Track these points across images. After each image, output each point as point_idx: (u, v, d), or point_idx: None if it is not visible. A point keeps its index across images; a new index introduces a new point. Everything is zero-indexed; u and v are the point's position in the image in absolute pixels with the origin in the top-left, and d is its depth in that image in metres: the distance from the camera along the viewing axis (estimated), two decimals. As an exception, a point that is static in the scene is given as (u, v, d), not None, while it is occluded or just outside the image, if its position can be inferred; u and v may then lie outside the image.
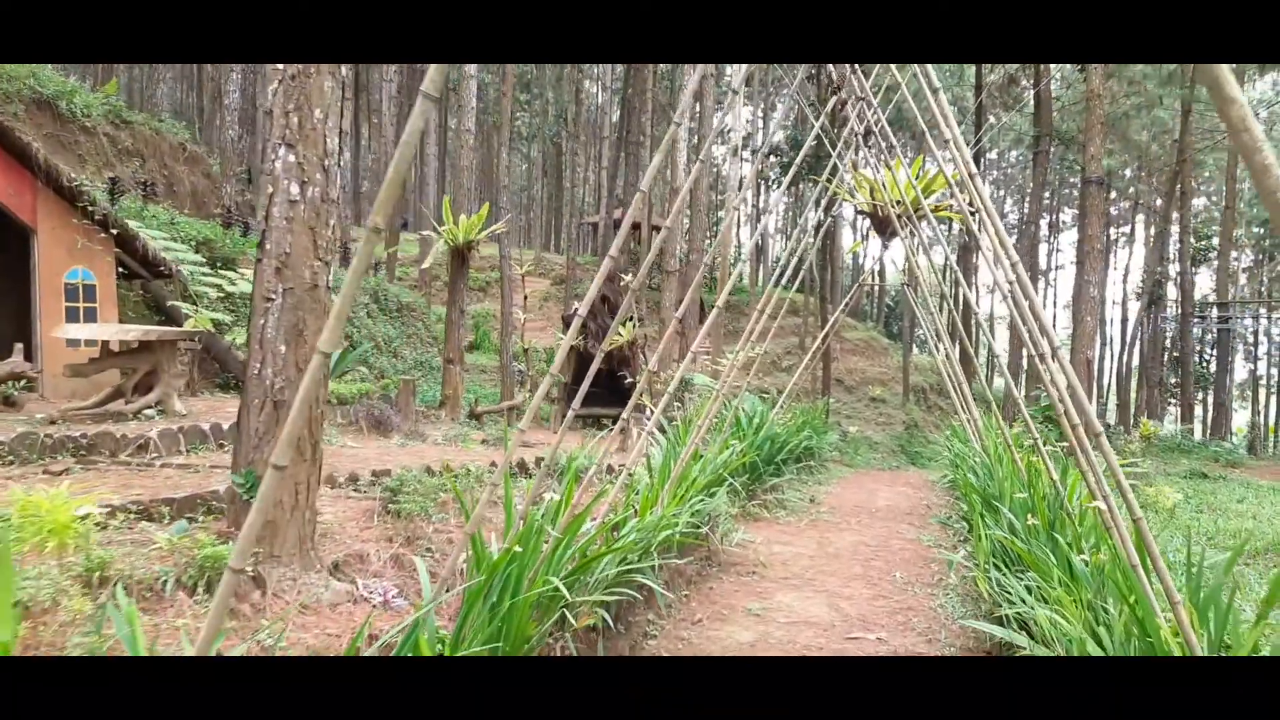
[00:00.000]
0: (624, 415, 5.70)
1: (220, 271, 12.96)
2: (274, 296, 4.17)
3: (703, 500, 6.99)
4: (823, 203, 12.48)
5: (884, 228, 12.13)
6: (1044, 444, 6.32)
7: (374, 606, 4.30)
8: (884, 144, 9.10)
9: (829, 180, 10.99)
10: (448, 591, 3.80)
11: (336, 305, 1.86)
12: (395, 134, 34.35)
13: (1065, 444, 4.95)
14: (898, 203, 10.93)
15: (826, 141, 9.81)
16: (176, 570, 3.75)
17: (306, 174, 4.19)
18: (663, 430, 9.78)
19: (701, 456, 8.10)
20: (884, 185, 10.96)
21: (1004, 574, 5.03)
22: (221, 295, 12.84)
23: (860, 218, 35.34)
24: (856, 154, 10.95)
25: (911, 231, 11.72)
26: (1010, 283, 4.07)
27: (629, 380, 15.18)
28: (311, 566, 4.30)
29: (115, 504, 4.69)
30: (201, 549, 3.75)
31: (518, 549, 3.67)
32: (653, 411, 7.77)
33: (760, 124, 45.93)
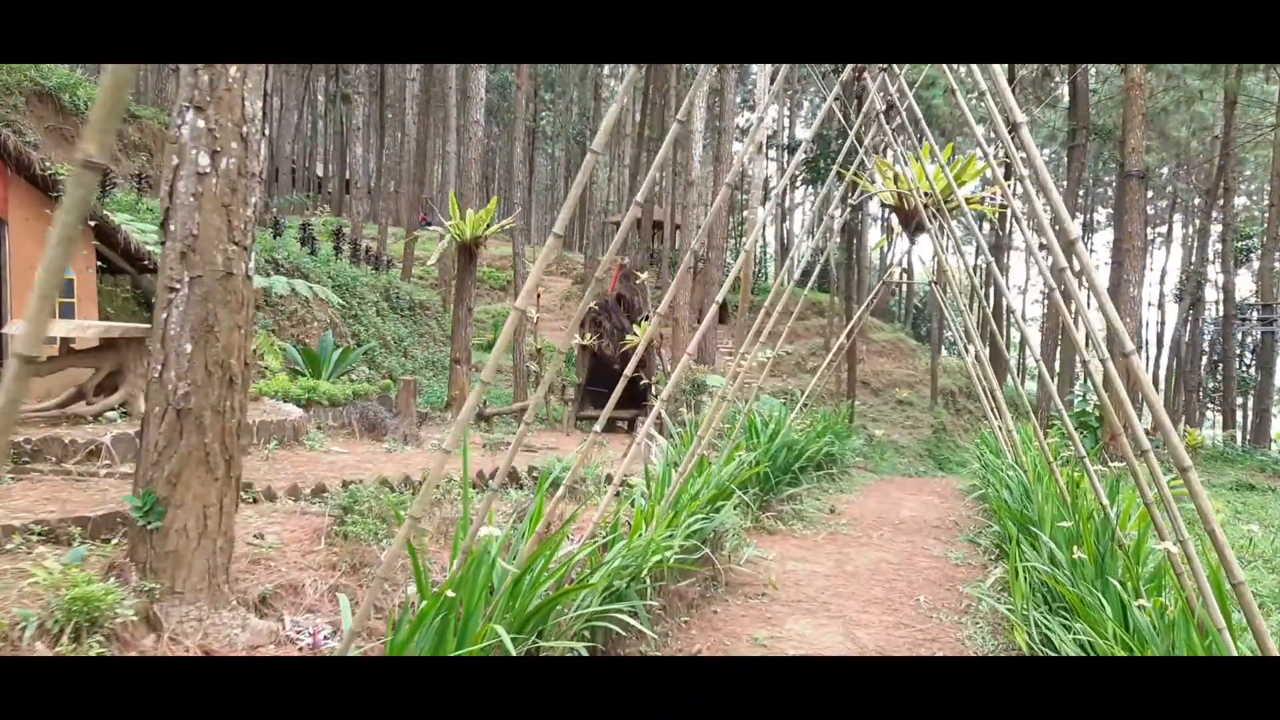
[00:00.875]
0: (602, 422, 5.00)
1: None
2: (178, 286, 3.50)
3: (706, 518, 6.32)
4: (840, 190, 11.71)
5: (910, 221, 11.32)
6: (1091, 460, 5.53)
7: (300, 649, 3.66)
8: (908, 122, 8.32)
9: (844, 166, 10.18)
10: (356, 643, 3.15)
11: (40, 278, 1.21)
12: (416, 132, 33.96)
13: (1120, 462, 4.21)
14: (926, 194, 10.14)
15: (840, 116, 9.05)
16: (43, 613, 3.10)
17: (219, 142, 3.54)
18: (669, 436, 9.09)
19: (709, 465, 7.42)
20: (909, 174, 10.16)
21: (1046, 615, 4.29)
22: (215, 291, 12.30)
23: (886, 212, 34.50)
24: (880, 137, 10.14)
25: (941, 226, 10.92)
26: (1060, 270, 3.34)
27: (644, 381, 14.56)
28: (224, 603, 3.63)
29: (15, 525, 4.08)
30: (73, 587, 3.10)
31: (450, 594, 3.01)
32: (661, 415, 7.10)
33: (786, 122, 45.15)
